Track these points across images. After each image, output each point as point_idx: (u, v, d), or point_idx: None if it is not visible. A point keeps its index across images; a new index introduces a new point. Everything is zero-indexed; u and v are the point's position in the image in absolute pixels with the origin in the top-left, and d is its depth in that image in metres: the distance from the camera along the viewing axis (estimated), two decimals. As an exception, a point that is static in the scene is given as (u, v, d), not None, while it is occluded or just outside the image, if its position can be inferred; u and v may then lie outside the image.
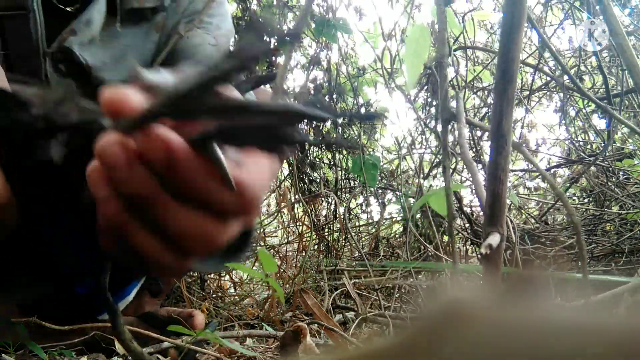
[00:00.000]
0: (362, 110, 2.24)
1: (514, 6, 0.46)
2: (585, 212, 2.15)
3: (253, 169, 0.37)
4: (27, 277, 0.44)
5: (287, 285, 1.68)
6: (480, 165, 1.88)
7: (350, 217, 2.21)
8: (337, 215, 2.07)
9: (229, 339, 0.99)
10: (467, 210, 1.95)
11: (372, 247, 2.13)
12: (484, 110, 2.21)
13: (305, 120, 0.34)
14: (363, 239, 2.30)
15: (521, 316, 0.13)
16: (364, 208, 2.33)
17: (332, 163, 2.23)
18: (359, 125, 2.18)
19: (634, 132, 2.00)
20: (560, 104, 2.12)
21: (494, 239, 0.45)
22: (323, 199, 2.14)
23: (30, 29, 0.82)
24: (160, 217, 0.35)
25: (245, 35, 0.32)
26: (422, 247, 1.91)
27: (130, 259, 0.38)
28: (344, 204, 2.11)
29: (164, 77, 0.35)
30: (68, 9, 0.86)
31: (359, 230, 2.32)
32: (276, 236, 2.28)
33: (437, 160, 2.08)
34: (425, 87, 2.05)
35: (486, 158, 1.84)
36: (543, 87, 2.28)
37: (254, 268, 1.72)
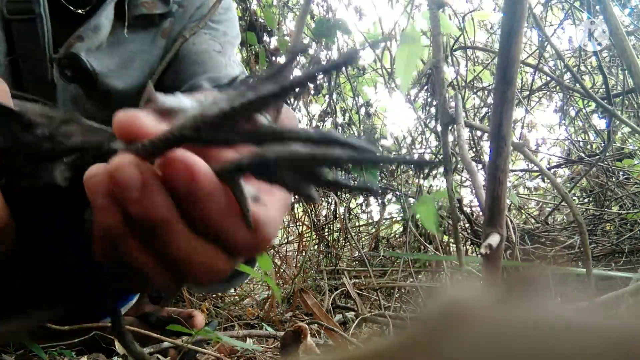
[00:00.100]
0: (362, 110, 2.24)
1: (514, 7, 0.46)
2: (585, 212, 2.15)
3: (270, 205, 0.36)
4: (43, 299, 0.43)
5: (287, 286, 1.68)
6: (480, 166, 1.88)
7: (350, 217, 2.21)
8: (337, 215, 2.07)
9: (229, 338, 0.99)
10: (467, 210, 1.95)
11: (372, 247, 2.13)
12: (484, 110, 2.21)
13: (342, 150, 0.30)
14: (363, 239, 2.30)
15: (521, 316, 0.13)
16: (364, 208, 2.33)
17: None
18: (359, 125, 2.18)
19: (635, 132, 2.00)
20: (560, 104, 2.12)
21: (494, 240, 0.45)
22: (323, 199, 2.14)
23: (38, 33, 0.81)
24: (166, 241, 0.34)
25: (284, 64, 0.29)
26: (422, 247, 1.91)
27: (122, 273, 0.36)
28: (344, 204, 2.11)
29: (180, 102, 0.33)
30: (79, 11, 0.85)
31: (359, 230, 2.32)
32: (276, 236, 2.28)
33: (437, 160, 2.08)
34: (426, 87, 2.05)
35: (486, 158, 1.84)
36: (543, 87, 2.28)
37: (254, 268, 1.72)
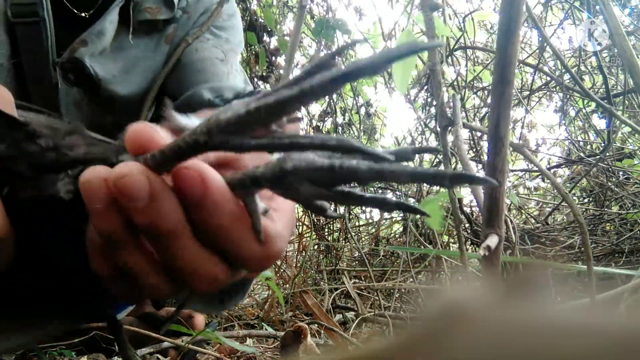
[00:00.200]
0: (362, 110, 2.24)
1: (511, 9, 0.46)
2: (585, 212, 2.15)
3: (279, 219, 0.35)
4: (43, 308, 0.42)
5: (287, 286, 1.68)
6: (480, 166, 1.88)
7: (350, 217, 2.21)
8: (337, 217, 2.07)
9: (229, 338, 0.99)
10: (467, 210, 1.95)
11: (371, 247, 2.13)
12: (484, 110, 2.21)
13: (359, 157, 0.29)
14: (363, 239, 2.30)
15: (521, 316, 0.13)
16: (363, 208, 2.33)
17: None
18: (359, 125, 2.18)
19: (636, 132, 2.00)
20: (560, 104, 2.12)
21: (492, 241, 0.45)
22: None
23: (42, 36, 0.81)
24: (170, 250, 0.33)
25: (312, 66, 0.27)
26: (422, 247, 1.91)
27: (119, 280, 0.35)
28: (344, 204, 2.11)
29: (194, 123, 0.32)
30: (83, 14, 0.84)
31: (359, 230, 2.32)
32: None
33: (437, 160, 2.08)
34: (426, 87, 2.06)
35: (486, 158, 1.84)
36: (543, 87, 2.28)
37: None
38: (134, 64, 0.89)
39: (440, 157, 1.90)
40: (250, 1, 2.08)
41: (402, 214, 2.17)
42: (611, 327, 0.12)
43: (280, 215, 0.36)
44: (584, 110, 2.19)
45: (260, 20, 1.98)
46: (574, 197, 2.44)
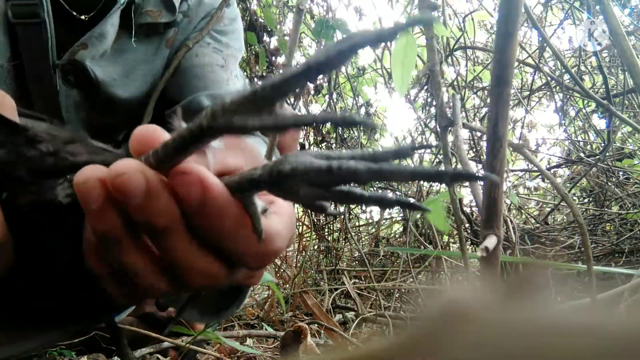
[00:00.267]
0: (362, 110, 2.24)
1: (509, 10, 0.46)
2: (585, 212, 2.15)
3: (278, 219, 0.35)
4: (42, 313, 0.42)
5: (287, 286, 1.68)
6: (480, 165, 1.88)
7: (350, 217, 2.21)
8: (337, 215, 2.07)
9: (229, 338, 0.99)
10: (467, 210, 1.96)
11: (371, 247, 2.13)
12: (484, 110, 2.21)
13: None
14: (363, 239, 2.30)
15: (521, 316, 0.13)
16: (364, 208, 2.33)
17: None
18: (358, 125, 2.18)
19: (636, 131, 2.01)
20: (560, 104, 2.13)
21: (491, 242, 0.45)
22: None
23: (42, 38, 0.81)
24: (167, 246, 0.33)
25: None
26: (422, 247, 1.91)
27: (116, 280, 0.35)
28: (344, 204, 2.11)
29: None
30: (83, 17, 0.84)
31: (359, 230, 2.32)
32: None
33: (437, 160, 2.08)
34: (426, 87, 2.06)
35: (485, 158, 1.84)
36: (543, 87, 2.28)
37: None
38: (134, 68, 0.88)
39: (441, 157, 1.90)
40: (250, 1, 2.08)
41: (402, 214, 2.17)
42: (611, 327, 0.12)
43: (277, 210, 0.36)
44: (584, 110, 2.19)
45: (260, 20, 1.98)
46: (574, 197, 2.44)
